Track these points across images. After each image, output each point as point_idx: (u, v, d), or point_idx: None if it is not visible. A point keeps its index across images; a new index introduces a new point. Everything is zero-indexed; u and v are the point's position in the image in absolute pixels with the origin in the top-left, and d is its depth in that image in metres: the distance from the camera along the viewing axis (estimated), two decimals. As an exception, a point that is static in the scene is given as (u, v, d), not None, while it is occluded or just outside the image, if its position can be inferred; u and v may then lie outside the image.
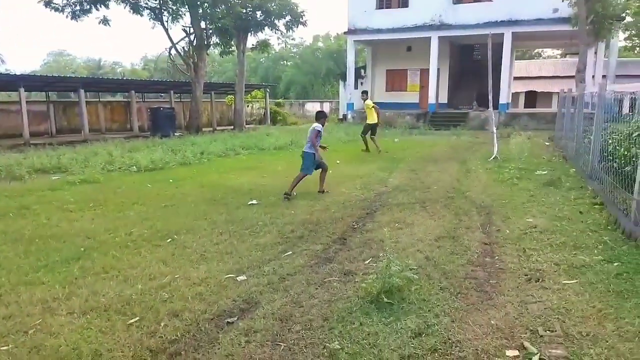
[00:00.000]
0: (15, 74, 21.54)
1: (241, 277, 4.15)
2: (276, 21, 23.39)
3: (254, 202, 7.22)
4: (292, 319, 3.38)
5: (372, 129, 13.58)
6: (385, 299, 3.52)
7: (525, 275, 4.07)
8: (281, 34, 25.18)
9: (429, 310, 3.44)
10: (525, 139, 14.57)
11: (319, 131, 7.59)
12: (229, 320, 3.36)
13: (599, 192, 6.87)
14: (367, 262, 4.51)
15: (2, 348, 3.05)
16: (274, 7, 22.61)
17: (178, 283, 4.02)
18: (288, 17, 23.32)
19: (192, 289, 3.90)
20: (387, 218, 6.16)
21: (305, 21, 23.55)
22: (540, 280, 3.95)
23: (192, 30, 22.47)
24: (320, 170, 7.85)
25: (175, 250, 4.95)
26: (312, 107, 39.52)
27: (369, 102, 13.71)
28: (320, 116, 7.82)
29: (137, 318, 3.39)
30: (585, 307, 3.43)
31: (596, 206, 6.35)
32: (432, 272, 4.18)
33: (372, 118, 13.47)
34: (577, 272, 4.09)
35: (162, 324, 3.30)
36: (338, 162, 11.29)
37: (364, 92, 14.27)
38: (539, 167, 9.84)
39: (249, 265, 4.47)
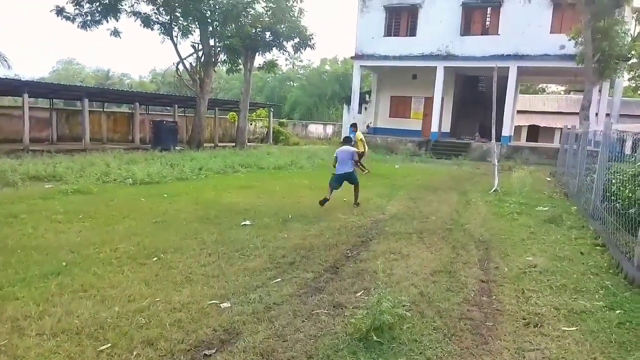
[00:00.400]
0: (19, 80, 21.56)
1: (225, 304, 3.95)
2: (285, 42, 23.61)
3: (247, 222, 7.05)
4: (274, 354, 3.17)
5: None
6: (375, 338, 3.33)
7: (524, 319, 3.87)
8: (289, 55, 25.38)
9: (420, 353, 3.24)
10: (526, 173, 14.45)
11: (355, 152, 9.03)
12: (207, 352, 3.15)
13: (601, 232, 6.69)
14: (359, 294, 4.31)
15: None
16: (283, 29, 22.85)
17: (157, 307, 3.82)
18: (297, 39, 23.52)
19: (172, 314, 3.69)
20: (383, 247, 5.97)
21: (313, 44, 23.74)
22: (539, 325, 3.75)
23: (200, 46, 22.65)
24: (335, 190, 8.71)
25: (160, 270, 4.76)
26: (315, 128, 39.65)
27: (359, 133, 14.48)
28: (348, 140, 9.35)
29: (109, 344, 3.18)
30: (586, 359, 3.22)
31: (598, 247, 6.17)
32: (426, 310, 3.98)
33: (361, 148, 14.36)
34: (577, 319, 3.89)
35: (134, 353, 3.09)
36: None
37: (353, 125, 14.90)
38: (539, 203, 9.68)
39: (234, 291, 4.27)
